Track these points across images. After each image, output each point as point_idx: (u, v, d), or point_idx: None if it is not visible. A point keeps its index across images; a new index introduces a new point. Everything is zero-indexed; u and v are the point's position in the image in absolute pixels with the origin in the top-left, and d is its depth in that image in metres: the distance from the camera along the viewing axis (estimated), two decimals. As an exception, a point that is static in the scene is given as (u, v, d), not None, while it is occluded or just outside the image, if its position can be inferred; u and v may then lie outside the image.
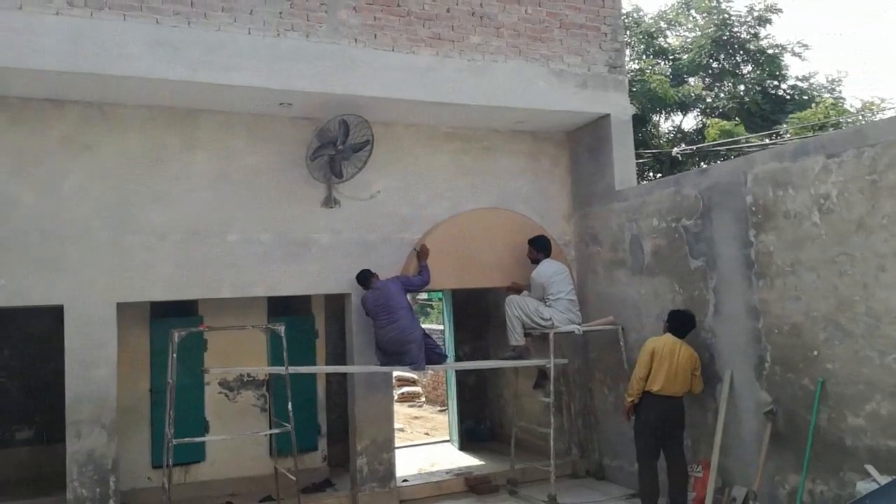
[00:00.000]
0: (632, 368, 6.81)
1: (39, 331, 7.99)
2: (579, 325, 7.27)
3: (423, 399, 16.89)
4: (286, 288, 6.94)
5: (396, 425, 13.01)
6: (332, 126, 6.65)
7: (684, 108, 12.61)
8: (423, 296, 26.39)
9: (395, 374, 19.08)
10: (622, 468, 7.52)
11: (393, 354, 6.74)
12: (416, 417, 14.59)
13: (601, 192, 7.84)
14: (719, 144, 11.36)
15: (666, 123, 13.70)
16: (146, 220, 6.51)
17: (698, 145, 11.90)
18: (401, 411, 15.43)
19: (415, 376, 17.76)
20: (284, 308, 8.20)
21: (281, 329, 6.07)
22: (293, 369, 6.28)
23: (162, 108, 6.63)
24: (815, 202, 5.44)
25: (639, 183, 7.80)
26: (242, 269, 6.77)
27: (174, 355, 5.78)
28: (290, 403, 6.03)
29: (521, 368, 7.83)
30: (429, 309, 25.23)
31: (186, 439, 5.85)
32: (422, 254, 7.17)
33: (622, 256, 7.50)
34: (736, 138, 11.52)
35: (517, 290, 7.59)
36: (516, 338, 7.33)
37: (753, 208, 5.94)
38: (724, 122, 12.24)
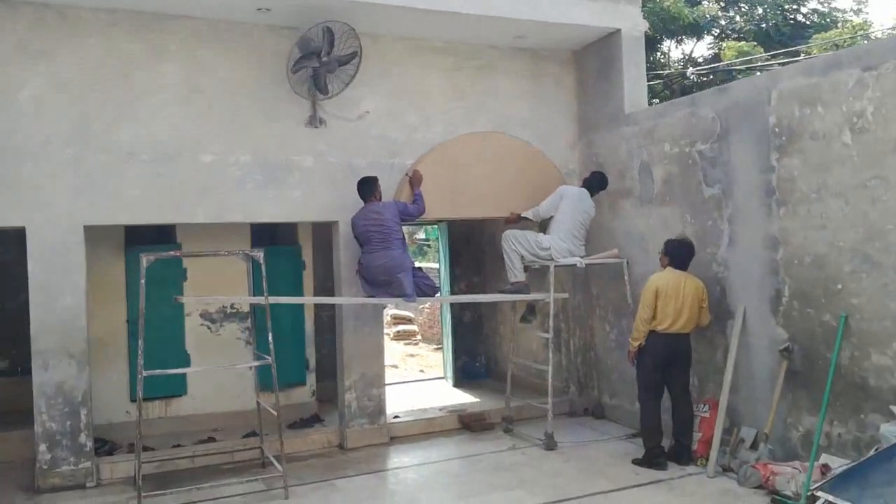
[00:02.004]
0: (636, 304, 6.38)
1: (9, 258, 7.55)
2: (581, 257, 6.80)
3: (419, 337, 16.61)
4: (266, 214, 6.45)
5: (390, 362, 12.79)
6: (316, 34, 6.04)
7: (698, 31, 11.79)
8: (421, 235, 25.98)
9: (391, 312, 18.84)
10: (622, 407, 7.17)
11: (381, 285, 6.29)
12: (411, 355, 14.31)
13: (609, 115, 7.26)
14: (736, 65, 10.62)
15: (677, 51, 12.92)
16: (111, 138, 5.97)
17: (714, 65, 11.15)
18: (396, 349, 15.19)
19: (411, 315, 17.48)
20: (269, 237, 7.73)
21: (259, 256, 5.58)
22: (273, 299, 5.83)
23: (125, 11, 6.01)
24: (847, 121, 4.90)
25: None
26: (218, 192, 6.26)
27: (143, 282, 5.32)
28: (270, 335, 5.60)
29: (518, 303, 7.40)
30: (426, 248, 24.81)
31: (157, 371, 5.44)
32: (414, 180, 6.65)
33: (630, 185, 6.97)
34: (754, 56, 10.77)
35: (515, 220, 7.10)
36: (515, 273, 6.87)
37: (777, 129, 5.39)
38: (742, 43, 11.46)
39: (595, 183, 6.98)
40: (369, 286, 6.36)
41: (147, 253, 5.38)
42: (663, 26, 10.88)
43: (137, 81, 6.07)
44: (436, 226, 9.82)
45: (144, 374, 5.25)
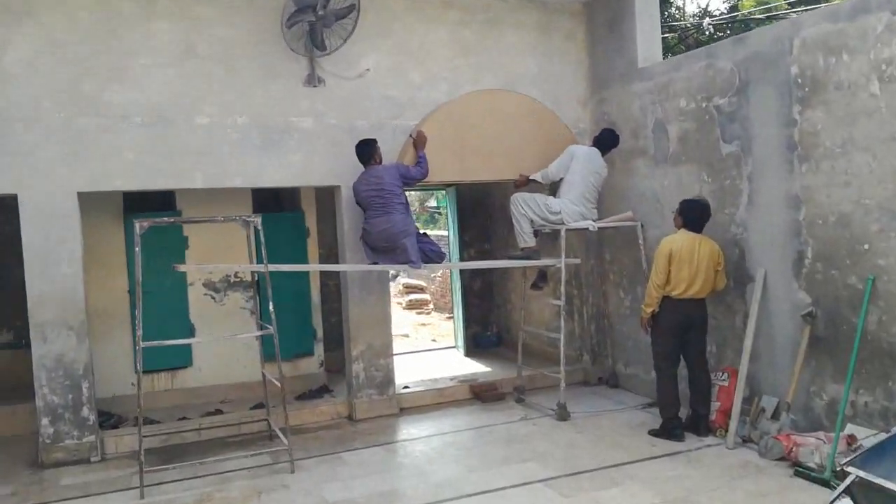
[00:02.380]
0: (650, 269, 6.13)
1: (10, 228, 7.41)
2: (593, 220, 6.53)
3: (431, 306, 16.44)
4: (267, 179, 6.22)
5: (402, 332, 12.65)
6: (311, -13, 5.75)
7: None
8: (433, 203, 25.71)
9: (403, 281, 18.69)
10: (637, 376, 6.95)
11: (385, 251, 6.07)
12: (423, 325, 14.15)
13: (621, 71, 6.92)
14: (756, 15, 10.09)
15: (692, 5, 12.29)
16: (104, 101, 5.76)
17: (733, 14, 10.60)
18: (408, 319, 15.05)
19: (423, 283, 17.30)
20: (272, 204, 7.53)
21: (257, 221, 5.37)
22: (274, 267, 5.63)
23: (115, -31, 5.75)
24: (875, 69, 4.57)
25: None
26: (216, 156, 6.04)
27: (138, 249, 5.14)
28: (271, 304, 5.42)
29: (529, 270, 7.17)
30: (437, 216, 24.56)
31: (154, 342, 5.28)
32: (418, 141, 6.39)
33: (643, 144, 6.67)
34: (774, 5, 10.22)
35: (524, 183, 6.82)
36: (525, 239, 6.62)
37: (799, 80, 5.06)
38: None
39: (606, 141, 6.68)
40: (373, 253, 6.14)
41: (141, 219, 5.18)
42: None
43: (129, 40, 5.83)
44: (444, 191, 9.55)
45: (143, 345, 5.08)
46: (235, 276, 7.18)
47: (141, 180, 5.87)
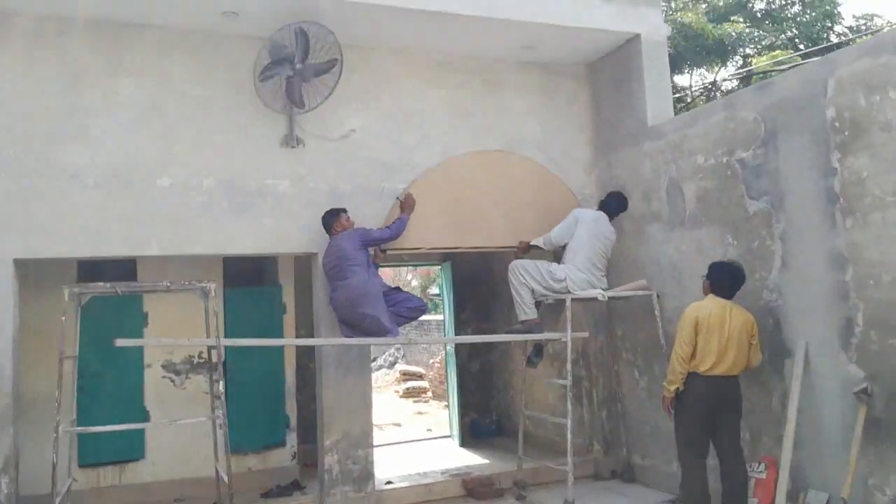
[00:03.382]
0: (670, 346, 5.38)
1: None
2: (603, 289, 5.83)
3: (429, 394, 15.47)
4: (234, 245, 5.56)
5: (394, 420, 11.71)
6: (287, 37, 5.27)
7: (723, 52, 10.95)
8: (435, 290, 24.99)
9: (401, 368, 17.80)
10: (657, 468, 6.06)
11: (354, 324, 5.36)
12: (420, 413, 13.20)
13: (630, 131, 6.39)
14: (771, 71, 9.66)
15: (695, 78, 11.93)
16: (56, 159, 5.18)
17: (748, 69, 10.16)
18: (405, 407, 14.12)
19: (421, 370, 16.42)
20: (247, 276, 6.82)
21: (210, 287, 4.66)
22: (228, 341, 4.90)
23: (78, 20, 5.29)
24: (926, 108, 3.98)
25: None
26: (177, 221, 5.41)
27: (65, 318, 4.43)
28: (221, 384, 4.65)
29: (529, 346, 6.39)
30: (440, 302, 23.81)
31: (79, 429, 4.50)
32: (405, 205, 5.79)
33: (657, 207, 6.05)
34: (790, 57, 9.78)
35: (525, 250, 6.17)
36: (525, 310, 5.89)
37: (837, 124, 4.48)
38: (778, 52, 10.55)
39: (613, 204, 6.08)
40: (346, 327, 5.42)
41: (75, 286, 4.49)
42: (686, 44, 10.02)
43: (90, 96, 5.31)
44: (439, 267, 8.88)
45: (64, 430, 4.31)
46: (199, 356, 6.42)
47: (89, 247, 5.21)
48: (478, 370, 8.71)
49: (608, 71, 6.68)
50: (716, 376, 4.68)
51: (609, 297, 5.76)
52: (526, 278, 5.81)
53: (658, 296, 5.88)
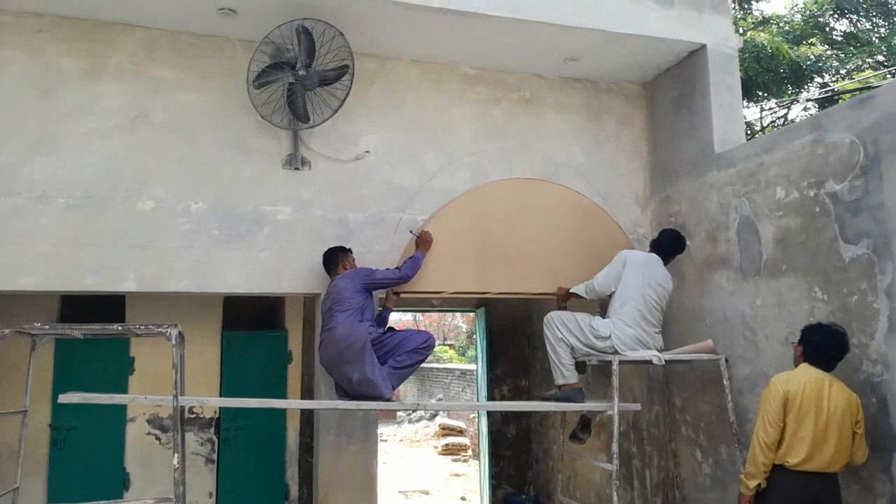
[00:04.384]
0: (741, 422, 4.35)
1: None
2: (659, 350, 4.81)
3: (469, 453, 14.37)
4: (224, 282, 4.77)
5: (424, 487, 10.64)
6: (287, 38, 4.53)
7: (798, 78, 9.79)
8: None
9: (441, 421, 16.73)
10: (724, 573, 4.91)
11: (345, 388, 4.45)
12: (456, 475, 12.13)
13: (692, 159, 5.42)
14: (867, 85, 8.48)
15: (765, 111, 10.64)
16: (20, 175, 4.52)
17: (832, 89, 8.95)
18: (442, 466, 13.09)
19: (462, 425, 15.34)
20: (248, 317, 6.06)
21: (171, 333, 3.85)
22: (189, 400, 4.05)
23: (58, 17, 4.70)
24: None
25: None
26: (158, 251, 4.66)
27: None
28: (176, 456, 3.79)
29: (570, 415, 5.38)
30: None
31: None
32: (421, 241, 4.93)
33: (725, 251, 5.02)
34: (880, 74, 8.57)
35: (565, 298, 5.21)
36: (563, 373, 4.89)
37: (969, 145, 3.43)
38: (869, 71, 9.35)
39: (667, 245, 5.08)
40: (338, 388, 4.53)
41: (22, 326, 3.75)
42: (757, 67, 8.94)
43: (67, 103, 4.67)
44: (473, 313, 7.96)
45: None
46: (191, 410, 5.62)
47: (56, 280, 4.48)
48: (514, 436, 7.67)
49: (667, 89, 5.75)
50: (810, 473, 3.59)
51: (667, 361, 4.72)
52: (564, 334, 4.83)
53: (727, 360, 4.81)
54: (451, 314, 21.18)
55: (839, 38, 10.70)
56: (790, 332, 4.40)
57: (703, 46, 5.32)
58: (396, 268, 4.75)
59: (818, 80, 9.60)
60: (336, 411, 4.76)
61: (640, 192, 5.89)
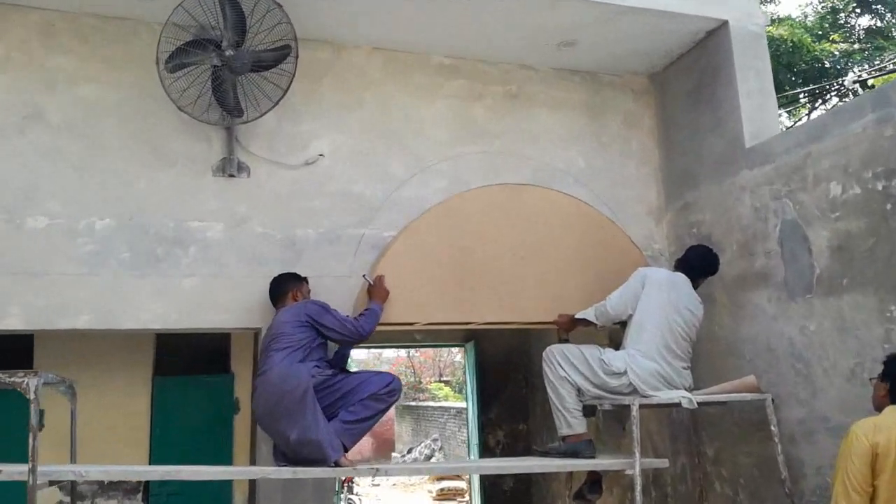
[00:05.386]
0: (795, 478, 3.44)
1: None
2: (689, 389, 3.83)
3: (467, 498, 13.22)
4: (136, 317, 3.79)
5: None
6: (211, 11, 3.61)
7: (820, 75, 8.88)
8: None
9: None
10: None
11: (282, 440, 3.44)
12: (451, 524, 11.02)
13: (716, 158, 4.48)
14: None
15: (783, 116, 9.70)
16: None
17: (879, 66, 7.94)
18: (436, 514, 11.99)
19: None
20: (185, 358, 5.05)
21: (30, 385, 2.85)
22: (49, 471, 3.05)
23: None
24: None
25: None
26: (53, 279, 3.70)
27: None
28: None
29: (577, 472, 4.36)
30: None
31: None
32: (375, 291, 3.90)
33: (764, 265, 4.06)
34: None
35: (568, 327, 4.24)
36: (568, 421, 3.89)
37: None
38: None
39: (696, 263, 4.15)
40: (277, 450, 3.52)
41: None
42: (777, 65, 8.02)
43: (-62, 102, 3.75)
44: (463, 347, 6.96)
45: None
46: (112, 475, 4.58)
47: (-87, 315, 3.52)
48: (511, 489, 6.59)
49: (681, 80, 4.84)
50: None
51: (700, 403, 3.72)
52: (567, 371, 3.86)
53: (773, 401, 3.81)
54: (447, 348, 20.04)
55: (861, 35, 9.83)
56: (858, 364, 3.43)
57: (725, 23, 4.41)
58: (358, 316, 3.76)
59: (846, 78, 8.68)
60: (280, 480, 3.74)
61: (654, 202, 4.94)
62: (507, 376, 6.79)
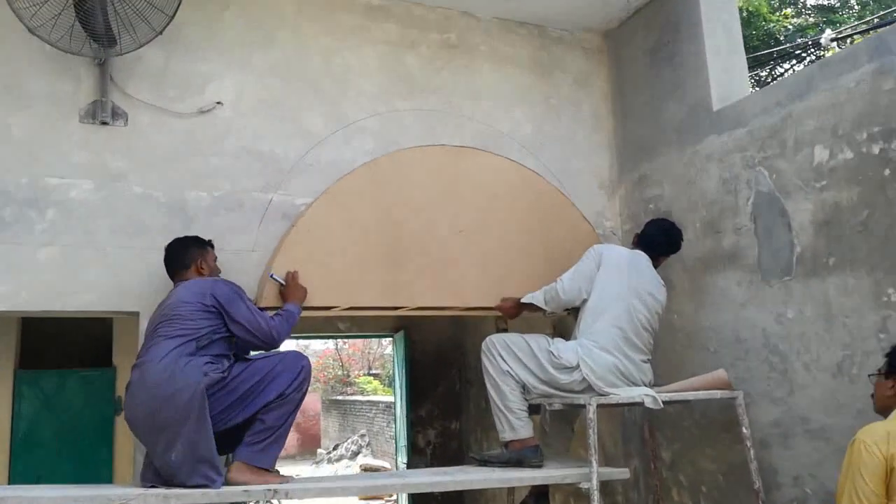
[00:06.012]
0: (769, 487, 2.98)
1: None
2: (650, 386, 3.30)
3: (394, 497, 12.58)
4: (-27, 295, 3.00)
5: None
6: None
7: (781, 55, 8.55)
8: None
9: (363, 461, 14.86)
10: None
11: (155, 460, 2.74)
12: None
13: (678, 124, 3.97)
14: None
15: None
16: None
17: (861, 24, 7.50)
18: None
19: (386, 465, 13.51)
20: (60, 350, 4.23)
21: None
22: None
23: None
24: None
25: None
26: None
27: None
28: None
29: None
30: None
31: None
32: (291, 291, 3.19)
33: (733, 244, 3.56)
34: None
35: (512, 313, 3.66)
36: (511, 423, 3.30)
37: None
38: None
39: (659, 239, 3.63)
40: (149, 466, 2.80)
41: None
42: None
43: None
44: (391, 338, 6.31)
45: None
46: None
47: None
48: (442, 496, 5.99)
49: (638, 38, 4.31)
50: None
51: (665, 402, 3.17)
52: (511, 365, 3.27)
53: (745, 398, 3.32)
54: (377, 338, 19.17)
55: (811, 12, 9.57)
56: (846, 357, 2.96)
57: (690, -33, 3.90)
58: (273, 315, 3.04)
59: (822, 36, 8.28)
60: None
61: (606, 175, 4.41)
62: (439, 370, 6.18)
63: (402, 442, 5.87)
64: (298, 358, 2.94)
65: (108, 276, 3.18)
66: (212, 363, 2.78)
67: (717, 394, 3.30)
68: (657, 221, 3.72)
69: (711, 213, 3.70)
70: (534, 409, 3.49)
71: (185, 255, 3.09)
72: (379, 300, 3.54)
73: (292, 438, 19.10)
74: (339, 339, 18.73)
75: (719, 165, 3.67)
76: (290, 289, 3.18)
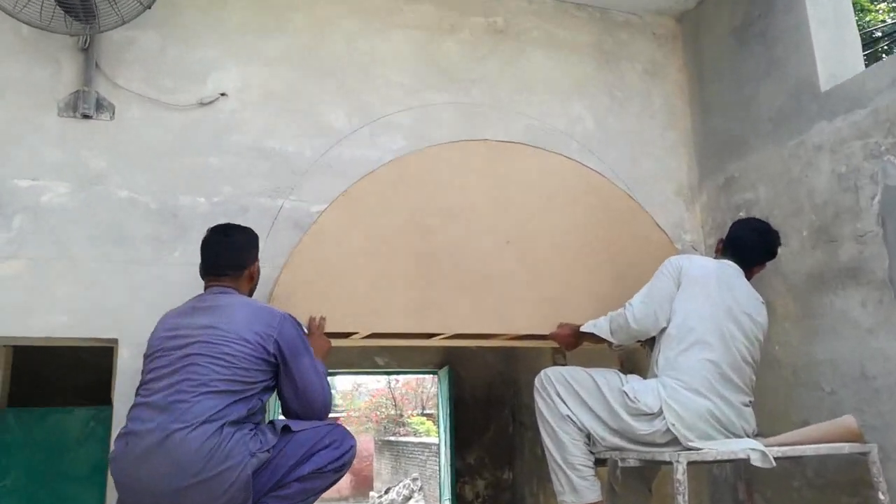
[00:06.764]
0: None
1: None
2: (753, 436, 2.56)
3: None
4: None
5: None
6: None
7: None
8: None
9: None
10: None
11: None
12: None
13: (774, 112, 3.27)
14: None
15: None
16: None
17: None
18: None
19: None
20: (52, 383, 3.73)
21: None
22: None
23: None
24: None
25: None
26: None
27: None
28: None
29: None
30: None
31: None
32: (311, 342, 2.41)
33: (854, 256, 2.81)
34: None
35: (570, 343, 2.98)
36: (572, 482, 2.58)
37: None
38: None
39: (751, 243, 2.90)
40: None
41: None
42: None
43: None
44: (435, 374, 5.66)
45: None
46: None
47: None
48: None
49: (722, 17, 3.64)
50: None
51: (777, 458, 2.42)
52: (572, 408, 2.60)
53: (879, 451, 2.54)
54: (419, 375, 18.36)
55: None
56: None
57: (787, -74, 3.23)
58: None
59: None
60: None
61: (683, 179, 3.71)
62: (489, 411, 5.49)
63: (447, 494, 5.15)
64: (347, 436, 2.26)
65: (82, 294, 2.65)
66: (254, 433, 2.11)
67: (845, 447, 2.52)
68: (747, 221, 3.01)
69: (823, 217, 2.96)
70: (600, 461, 2.79)
71: (247, 252, 2.42)
72: (407, 325, 2.92)
73: (346, 480, 18.46)
74: (390, 377, 18.15)
75: (832, 158, 2.94)
76: (311, 340, 2.48)
